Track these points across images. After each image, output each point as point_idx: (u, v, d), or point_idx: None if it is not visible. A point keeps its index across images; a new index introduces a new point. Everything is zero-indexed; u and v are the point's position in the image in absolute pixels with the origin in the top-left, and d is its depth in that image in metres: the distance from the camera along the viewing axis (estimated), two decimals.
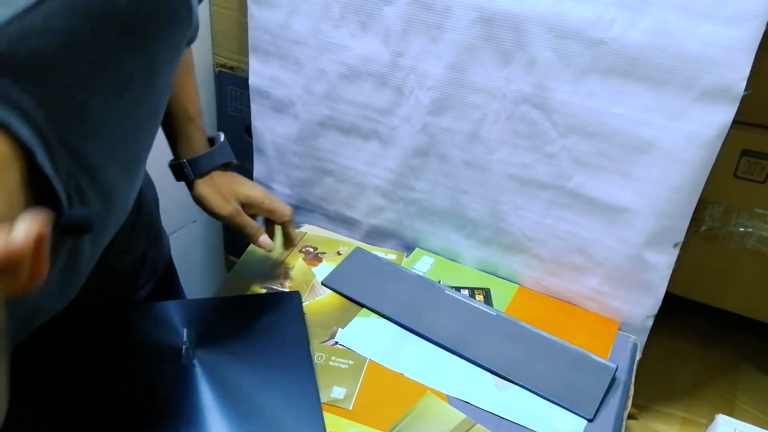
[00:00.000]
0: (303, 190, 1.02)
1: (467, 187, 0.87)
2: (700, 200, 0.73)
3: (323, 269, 0.89)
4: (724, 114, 0.67)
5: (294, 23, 0.90)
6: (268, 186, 1.07)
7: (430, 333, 0.73)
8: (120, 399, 0.62)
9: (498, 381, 0.72)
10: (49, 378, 0.62)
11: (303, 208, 1.04)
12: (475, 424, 0.65)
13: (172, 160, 0.77)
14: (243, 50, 1.05)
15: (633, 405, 0.76)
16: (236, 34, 1.10)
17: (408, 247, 0.97)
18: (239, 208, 0.78)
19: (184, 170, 0.76)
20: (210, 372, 0.63)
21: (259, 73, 0.98)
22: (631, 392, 0.75)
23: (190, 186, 0.77)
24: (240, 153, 1.16)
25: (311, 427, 0.60)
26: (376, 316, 0.78)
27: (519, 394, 0.70)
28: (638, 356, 0.81)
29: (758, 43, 0.63)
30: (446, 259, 0.93)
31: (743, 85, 0.64)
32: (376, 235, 0.99)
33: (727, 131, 0.68)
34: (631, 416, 0.88)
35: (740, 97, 0.65)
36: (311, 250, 0.93)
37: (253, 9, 0.93)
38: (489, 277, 0.90)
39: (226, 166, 0.79)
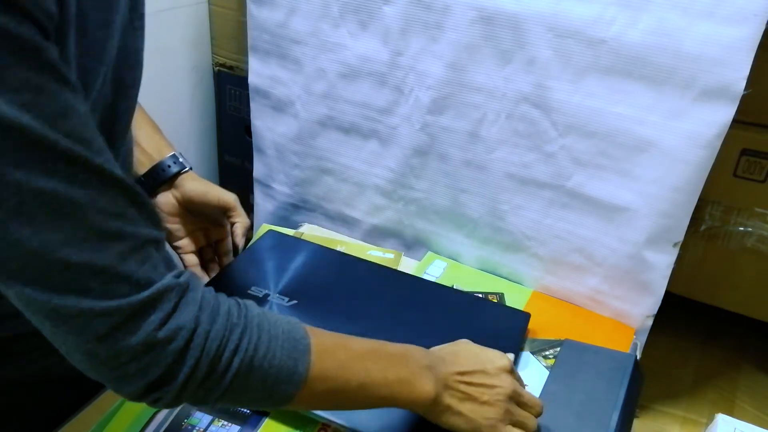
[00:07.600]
0: (303, 189, 1.02)
1: (467, 187, 0.87)
2: (699, 200, 0.72)
3: None
4: (724, 113, 0.67)
5: (293, 23, 0.90)
6: (268, 185, 1.07)
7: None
8: None
9: None
10: None
11: (303, 208, 1.04)
12: None
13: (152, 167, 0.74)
14: (242, 50, 1.05)
15: None
16: (236, 33, 1.10)
17: (408, 246, 0.97)
18: None
19: (168, 166, 0.74)
20: None
21: (258, 72, 0.98)
22: None
23: (171, 186, 0.75)
24: (240, 152, 1.17)
25: None
26: None
27: None
28: (638, 356, 0.81)
29: (758, 42, 0.63)
30: (446, 258, 0.93)
31: (743, 84, 0.64)
32: (376, 235, 0.99)
33: (726, 130, 0.67)
34: None
35: (740, 96, 0.65)
36: None
37: (252, 8, 0.93)
38: (503, 282, 0.89)
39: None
